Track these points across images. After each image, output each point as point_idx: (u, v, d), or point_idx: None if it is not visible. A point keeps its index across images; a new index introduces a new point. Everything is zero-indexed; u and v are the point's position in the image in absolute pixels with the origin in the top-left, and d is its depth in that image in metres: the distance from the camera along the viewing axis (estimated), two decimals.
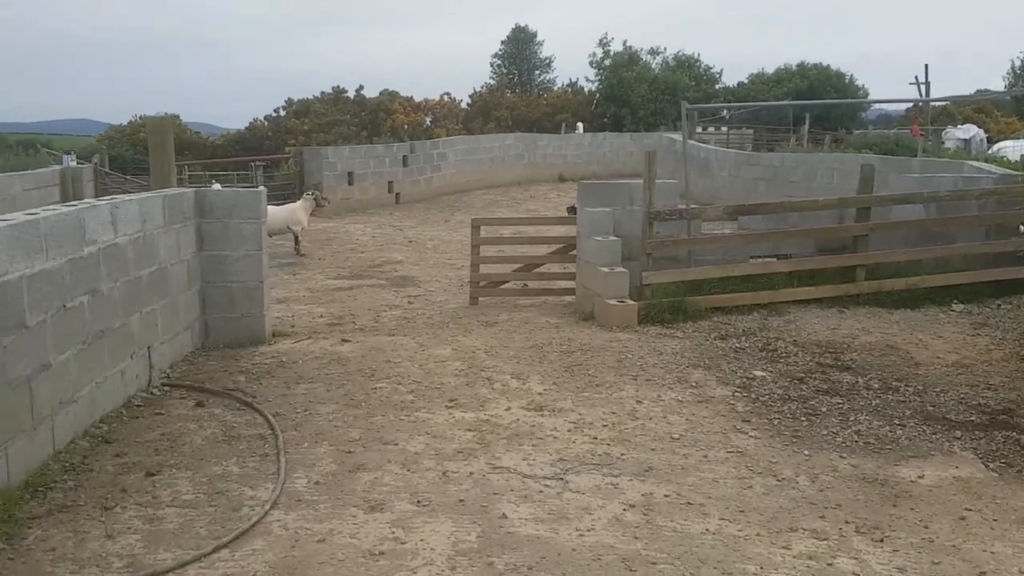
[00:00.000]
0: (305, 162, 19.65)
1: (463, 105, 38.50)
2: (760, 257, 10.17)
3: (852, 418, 6.20)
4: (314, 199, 15.20)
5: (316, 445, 5.55)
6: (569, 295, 10.44)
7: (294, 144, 33.12)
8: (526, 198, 23.86)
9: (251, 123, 37.53)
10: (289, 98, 37.65)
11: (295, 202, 15.20)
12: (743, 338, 8.45)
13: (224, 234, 8.05)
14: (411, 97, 37.68)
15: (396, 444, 5.56)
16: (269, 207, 15.75)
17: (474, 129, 34.69)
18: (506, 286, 10.60)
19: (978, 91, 43.31)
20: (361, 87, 38.33)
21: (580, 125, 33.85)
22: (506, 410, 6.24)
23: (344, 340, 8.35)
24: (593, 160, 30.70)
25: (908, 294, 9.89)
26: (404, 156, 21.68)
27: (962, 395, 6.71)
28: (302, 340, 8.40)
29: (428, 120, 37.18)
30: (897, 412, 6.33)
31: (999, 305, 9.78)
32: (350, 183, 20.09)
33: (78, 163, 16.06)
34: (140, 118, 35.54)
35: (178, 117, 9.95)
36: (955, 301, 9.82)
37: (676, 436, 5.77)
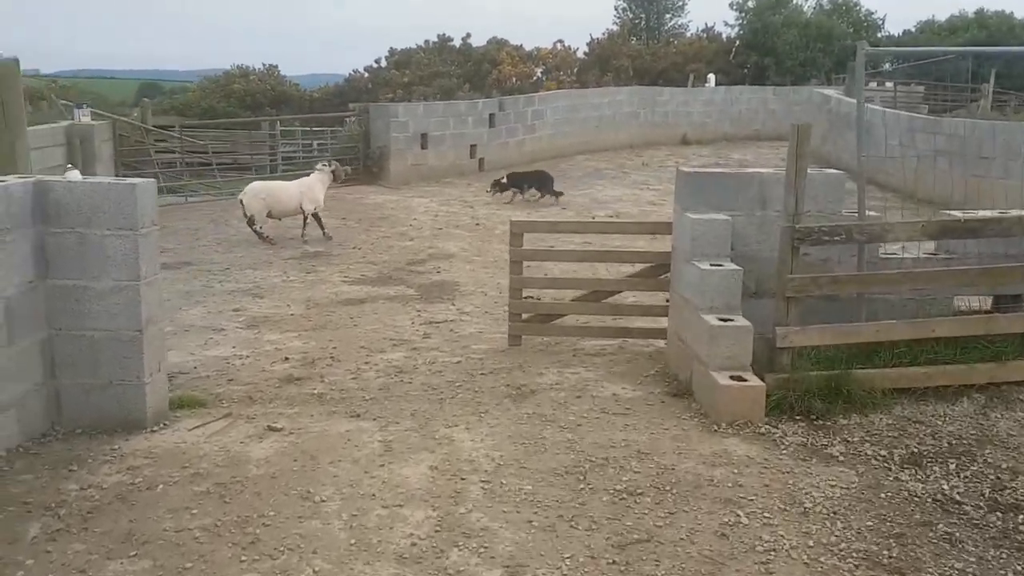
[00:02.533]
0: (371, 121, 16.57)
1: (579, 54, 34.53)
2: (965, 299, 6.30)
3: None
4: (332, 171, 12.10)
5: None
6: (658, 339, 6.90)
7: (391, 98, 30.28)
8: (637, 166, 20.03)
9: (350, 74, 34.94)
10: (391, 47, 34.79)
11: (310, 175, 12.11)
12: (951, 465, 4.73)
13: (80, 252, 4.97)
14: (521, 46, 33.96)
15: None
16: (279, 183, 12.83)
17: (588, 81, 30.73)
18: (562, 321, 7.15)
19: None
20: (468, 35, 34.95)
21: (711, 77, 29.31)
22: None
23: (271, 428, 5.17)
24: (725, 119, 26.30)
25: None
26: (491, 115, 18.25)
27: None
28: (210, 423, 5.27)
29: (539, 72, 33.43)
30: None
31: None
32: (423, 146, 16.89)
33: (93, 118, 13.57)
34: (237, 67, 33.59)
35: (16, 61, 7.41)
36: None
37: None
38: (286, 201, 11.42)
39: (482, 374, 6.33)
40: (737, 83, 31.01)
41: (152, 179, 5.16)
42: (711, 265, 5.81)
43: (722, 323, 5.51)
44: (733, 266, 5.77)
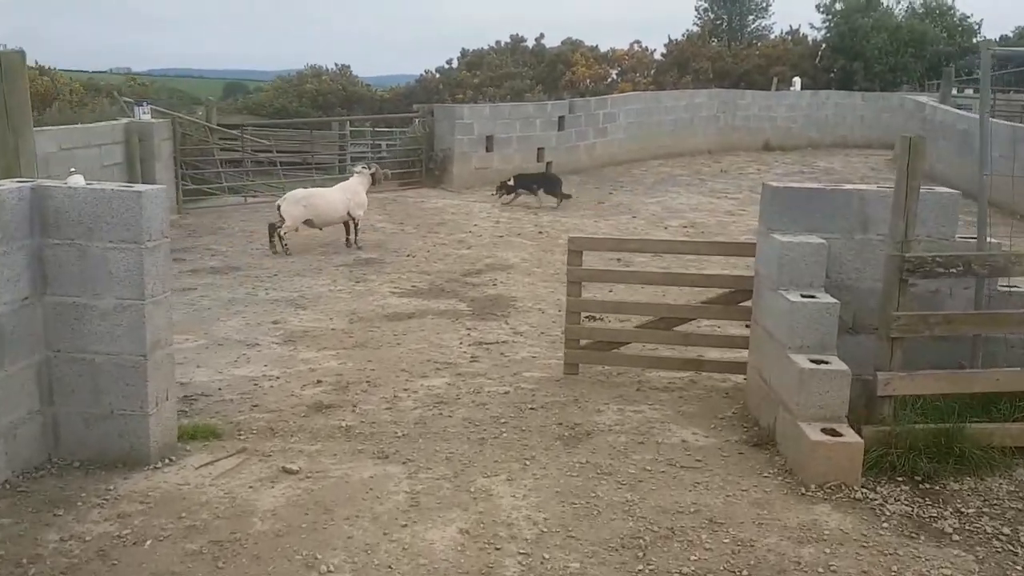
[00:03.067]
0: (436, 123, 16.03)
1: (657, 56, 33.43)
2: None
3: None
4: (372, 174, 11.47)
5: None
6: (736, 373, 6.09)
7: (461, 99, 29.82)
8: (715, 173, 19.02)
9: (422, 75, 34.59)
10: (463, 48, 34.31)
11: (349, 179, 11.42)
12: None
13: (81, 267, 4.45)
14: (596, 47, 33.01)
15: None
16: (321, 189, 11.37)
17: (666, 83, 29.68)
18: (626, 350, 6.38)
19: None
20: (541, 36, 34.18)
21: (796, 80, 27.94)
22: None
23: (286, 470, 4.56)
24: (811, 124, 24.96)
25: None
26: (560, 117, 17.51)
27: None
28: (221, 459, 4.70)
29: (614, 73, 32.46)
30: None
31: None
32: (488, 149, 16.26)
33: (153, 116, 13.31)
34: (310, 67, 33.62)
35: (22, 53, 6.96)
36: None
37: None
38: (328, 209, 10.81)
39: (531, 408, 5.63)
40: (822, 88, 29.53)
41: (162, 186, 4.62)
42: (802, 296, 4.99)
43: (814, 366, 4.69)
44: (829, 298, 4.93)
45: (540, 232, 12.33)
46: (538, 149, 17.19)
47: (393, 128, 26.24)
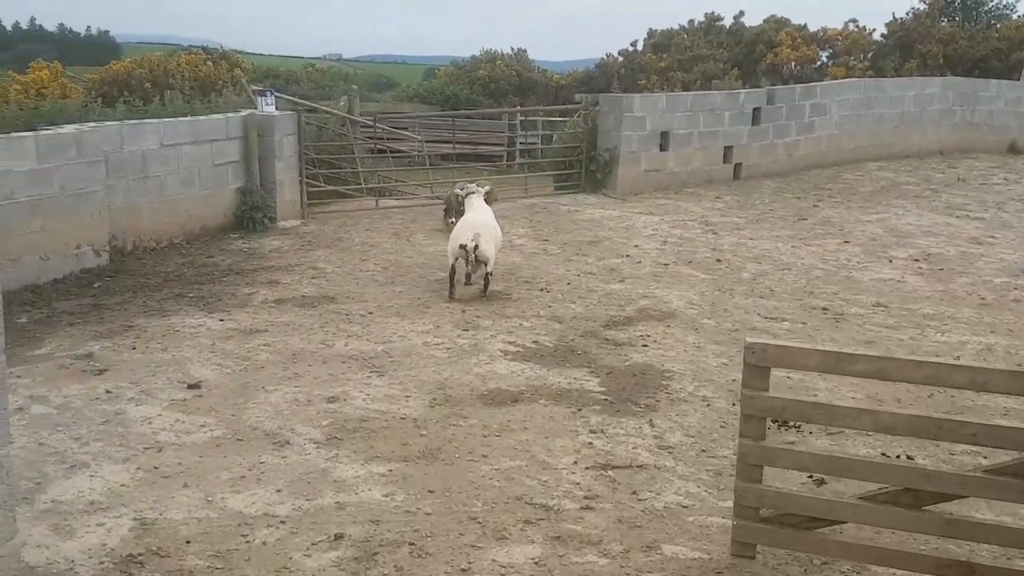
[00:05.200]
0: (600, 116, 13.53)
1: (876, 37, 28.89)
2: None
3: None
4: (486, 194, 9.08)
5: None
6: None
7: (644, 85, 27.07)
8: (949, 181, 15.25)
9: (602, 59, 31.94)
10: (651, 28, 31.28)
11: (472, 202, 8.87)
12: None
13: None
14: (804, 25, 29.00)
15: None
16: (484, 215, 8.54)
17: (886, 69, 25.38)
18: (836, 532, 3.74)
19: None
20: (740, 13, 30.45)
21: None
22: None
23: None
24: None
25: None
26: (755, 109, 14.44)
27: None
28: None
29: (824, 56, 28.37)
30: None
31: None
32: (663, 148, 13.56)
33: (278, 107, 11.75)
34: (485, 52, 31.92)
35: None
36: None
37: None
38: (498, 238, 8.58)
39: None
40: None
41: None
42: None
43: None
44: None
45: (718, 260, 9.62)
46: (725, 148, 14.28)
47: (567, 119, 23.98)
